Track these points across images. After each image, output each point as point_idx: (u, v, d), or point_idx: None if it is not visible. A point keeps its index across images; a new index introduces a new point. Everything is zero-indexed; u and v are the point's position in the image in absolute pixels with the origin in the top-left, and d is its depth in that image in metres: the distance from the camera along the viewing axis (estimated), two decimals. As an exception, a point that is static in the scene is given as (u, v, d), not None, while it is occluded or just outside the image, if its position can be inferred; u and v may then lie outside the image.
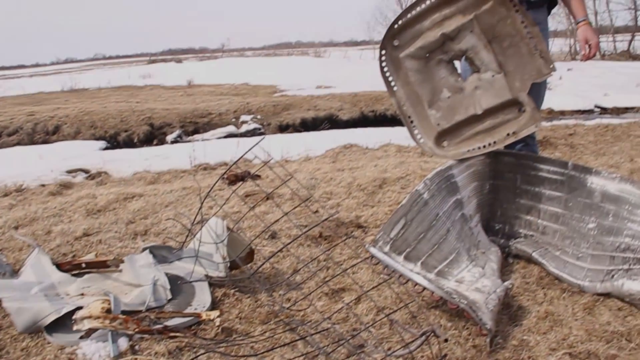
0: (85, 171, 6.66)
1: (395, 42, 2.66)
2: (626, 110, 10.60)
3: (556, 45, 22.69)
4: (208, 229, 2.59)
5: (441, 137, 2.72)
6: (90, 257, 2.88)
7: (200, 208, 2.50)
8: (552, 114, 10.51)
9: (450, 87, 2.66)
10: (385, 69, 2.71)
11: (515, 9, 2.50)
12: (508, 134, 2.63)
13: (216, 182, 2.51)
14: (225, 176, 4.46)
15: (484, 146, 2.67)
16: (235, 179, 4.44)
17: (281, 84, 15.91)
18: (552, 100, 10.87)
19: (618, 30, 23.52)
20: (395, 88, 2.72)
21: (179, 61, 37.47)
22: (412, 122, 2.74)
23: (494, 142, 2.65)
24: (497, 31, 2.54)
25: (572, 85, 12.51)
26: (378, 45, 2.74)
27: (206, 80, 18.97)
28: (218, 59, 33.77)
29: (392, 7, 31.10)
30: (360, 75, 16.15)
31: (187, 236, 2.78)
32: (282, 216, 2.63)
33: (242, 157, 2.14)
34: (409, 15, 2.61)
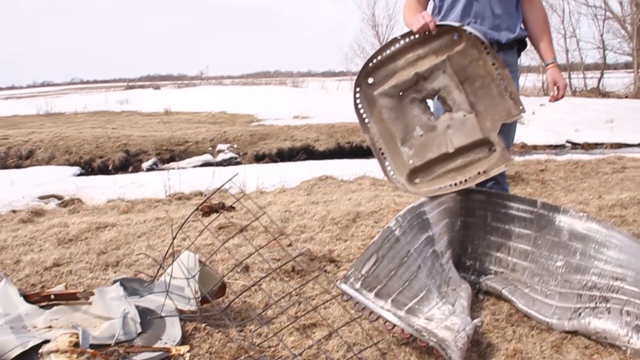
0: (59, 197, 6.59)
1: (370, 80, 2.72)
2: (596, 145, 10.86)
3: (529, 81, 23.18)
4: (179, 263, 2.58)
5: (413, 174, 2.77)
6: (59, 288, 2.84)
7: (172, 243, 2.49)
8: (525, 148, 10.72)
9: (422, 125, 2.71)
10: (360, 106, 2.76)
11: (486, 51, 2.57)
12: (479, 173, 2.68)
13: (188, 217, 2.50)
14: (199, 208, 4.45)
15: (456, 184, 2.72)
16: (209, 210, 4.43)
17: (258, 113, 15.99)
18: (525, 134, 11.11)
19: (588, 68, 24.16)
20: (369, 125, 2.76)
21: (157, 88, 37.42)
22: (385, 158, 2.78)
23: (465, 180, 2.70)
24: (469, 72, 2.61)
25: (544, 121, 12.78)
26: (355, 77, 2.79)
27: (184, 107, 18.97)
28: (196, 87, 33.76)
29: (370, 40, 31.44)
30: (337, 107, 16.30)
31: (158, 270, 2.77)
32: (254, 252, 2.62)
33: (214, 192, 2.15)
34: (383, 54, 2.67)
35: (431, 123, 2.71)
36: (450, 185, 2.72)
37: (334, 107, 16.51)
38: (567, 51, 23.80)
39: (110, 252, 3.52)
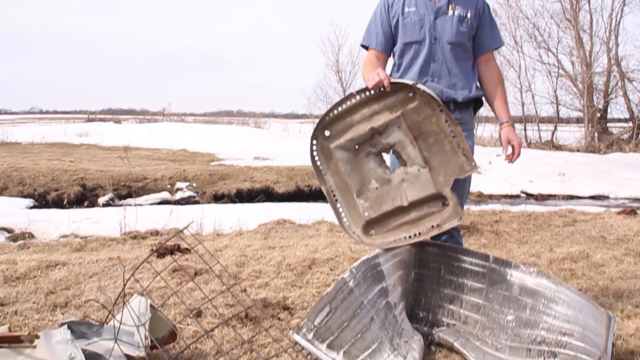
0: (9, 230, 6.42)
1: (327, 133, 2.77)
2: (549, 196, 11.17)
3: (487, 131, 23.76)
4: (130, 309, 2.54)
5: (369, 225, 2.80)
6: (3, 329, 2.75)
7: (123, 289, 2.45)
8: (482, 197, 10.95)
9: (378, 178, 2.77)
10: (317, 158, 2.80)
11: (439, 109, 2.66)
12: (432, 226, 2.74)
13: (141, 264, 2.47)
14: (154, 250, 4.40)
15: (410, 236, 2.76)
16: (164, 251, 4.38)
17: (219, 152, 15.96)
18: (482, 184, 11.36)
19: (542, 121, 24.90)
20: (325, 177, 2.81)
21: (118, 122, 37.04)
22: (341, 210, 2.82)
23: (419, 233, 2.75)
24: (423, 128, 2.69)
25: (500, 171, 13.07)
26: (317, 120, 2.84)
27: (144, 143, 18.81)
28: (158, 123, 33.55)
29: (333, 85, 31.52)
30: (299, 149, 16.40)
31: (107, 315, 2.71)
32: (206, 301, 2.61)
33: (170, 239, 2.14)
34: (340, 108, 2.74)
35: (386, 176, 2.77)
36: (405, 237, 2.77)
37: (296, 149, 16.60)
38: (522, 104, 24.53)
39: (60, 293, 3.44)
